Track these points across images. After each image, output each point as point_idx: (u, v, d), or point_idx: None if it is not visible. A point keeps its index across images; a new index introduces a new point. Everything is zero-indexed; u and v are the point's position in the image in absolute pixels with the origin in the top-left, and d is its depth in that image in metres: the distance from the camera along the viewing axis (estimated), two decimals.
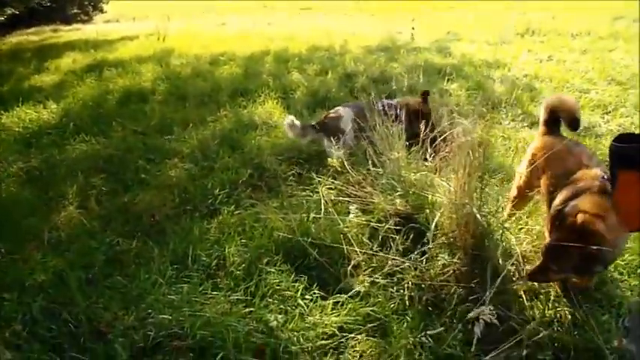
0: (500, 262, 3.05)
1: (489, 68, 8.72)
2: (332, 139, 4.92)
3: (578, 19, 12.97)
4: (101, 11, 26.32)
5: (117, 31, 16.86)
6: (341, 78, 8.34)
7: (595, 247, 2.59)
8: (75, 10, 23.92)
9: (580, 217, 2.68)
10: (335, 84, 7.94)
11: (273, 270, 3.46)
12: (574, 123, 3.55)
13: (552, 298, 3.14)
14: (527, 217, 3.72)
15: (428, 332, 2.85)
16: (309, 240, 3.55)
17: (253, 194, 4.66)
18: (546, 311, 3.05)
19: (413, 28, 11.64)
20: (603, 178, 2.92)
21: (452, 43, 10.96)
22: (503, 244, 3.26)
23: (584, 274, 2.99)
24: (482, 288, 2.97)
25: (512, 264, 3.16)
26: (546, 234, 3.16)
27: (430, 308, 3.11)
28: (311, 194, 4.48)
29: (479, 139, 3.38)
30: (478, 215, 3.14)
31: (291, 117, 5.20)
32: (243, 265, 3.55)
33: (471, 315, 2.67)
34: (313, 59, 9.61)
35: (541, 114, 3.76)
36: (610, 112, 6.51)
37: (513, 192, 3.77)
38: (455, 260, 3.22)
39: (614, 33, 11.05)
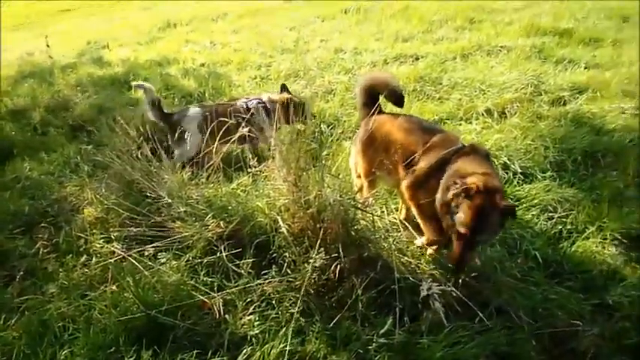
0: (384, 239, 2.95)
1: (162, 67, 8.34)
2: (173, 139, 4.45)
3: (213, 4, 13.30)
4: None
5: None
6: (7, 119, 6.83)
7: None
8: None
9: (478, 181, 2.73)
10: (5, 127, 6.49)
11: None
12: (397, 98, 3.57)
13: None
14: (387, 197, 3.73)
15: (380, 332, 2.67)
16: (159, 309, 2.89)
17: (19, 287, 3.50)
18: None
19: (48, 46, 10.28)
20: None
21: (102, 52, 10.09)
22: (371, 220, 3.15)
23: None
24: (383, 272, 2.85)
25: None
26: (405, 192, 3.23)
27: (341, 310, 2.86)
28: (89, 259, 3.61)
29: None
30: (343, 203, 2.95)
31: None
32: None
33: (423, 295, 2.51)
34: None
35: (358, 97, 3.68)
36: (302, 77, 6.91)
37: (359, 182, 3.67)
38: (335, 255, 2.97)
39: (251, 11, 11.72)
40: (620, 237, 3.51)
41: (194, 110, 4.92)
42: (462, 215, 2.73)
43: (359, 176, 3.67)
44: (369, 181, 3.58)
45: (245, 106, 4.88)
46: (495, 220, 2.76)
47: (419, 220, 3.28)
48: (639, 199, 3.94)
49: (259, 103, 4.95)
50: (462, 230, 2.74)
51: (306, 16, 10.33)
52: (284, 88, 5.19)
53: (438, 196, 2.94)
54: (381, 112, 3.62)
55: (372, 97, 3.61)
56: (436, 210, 2.98)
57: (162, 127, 4.95)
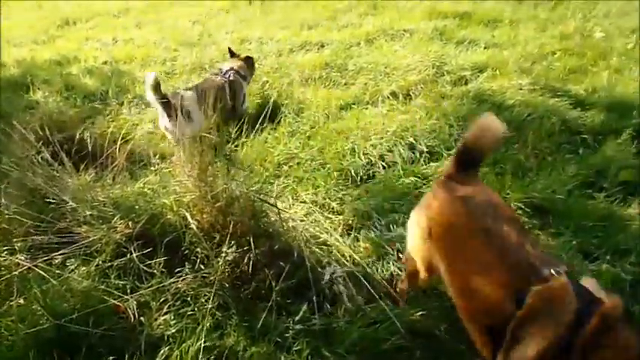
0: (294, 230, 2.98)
1: (62, 66, 7.95)
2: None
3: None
4: None
5: None
6: None
7: None
8: None
9: None
10: None
11: None
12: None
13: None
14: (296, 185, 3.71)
15: (296, 319, 2.70)
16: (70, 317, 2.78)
17: None
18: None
19: None
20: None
21: None
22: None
23: None
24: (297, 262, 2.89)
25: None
26: None
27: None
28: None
29: None
30: (249, 195, 2.95)
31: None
32: None
33: (326, 279, 2.55)
34: None
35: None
36: (207, 70, 6.78)
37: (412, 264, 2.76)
38: (247, 248, 2.97)
39: (155, 5, 11.39)
40: (523, 206, 3.69)
41: (188, 93, 4.85)
42: None
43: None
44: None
45: (225, 79, 5.11)
46: None
47: None
48: (538, 169, 4.17)
49: (235, 73, 5.23)
50: None
51: (211, 9, 10.18)
52: (232, 52, 5.60)
53: None
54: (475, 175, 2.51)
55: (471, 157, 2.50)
56: None
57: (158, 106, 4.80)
